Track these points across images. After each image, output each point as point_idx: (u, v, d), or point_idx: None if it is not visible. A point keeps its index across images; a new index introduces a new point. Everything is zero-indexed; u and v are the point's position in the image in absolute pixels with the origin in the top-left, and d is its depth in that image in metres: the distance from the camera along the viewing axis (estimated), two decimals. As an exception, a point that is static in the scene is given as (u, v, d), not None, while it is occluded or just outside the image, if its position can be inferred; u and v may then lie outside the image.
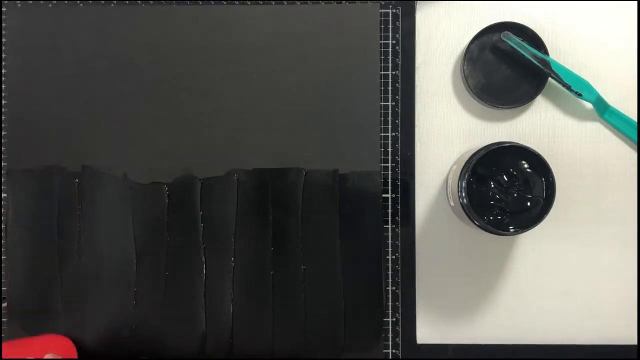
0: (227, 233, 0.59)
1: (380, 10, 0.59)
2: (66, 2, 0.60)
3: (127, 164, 0.59)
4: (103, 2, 0.60)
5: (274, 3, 0.59)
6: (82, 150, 0.59)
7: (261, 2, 0.59)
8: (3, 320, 0.59)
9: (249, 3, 0.59)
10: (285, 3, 0.59)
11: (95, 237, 0.59)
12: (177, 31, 0.59)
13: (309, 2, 0.59)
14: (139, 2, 0.60)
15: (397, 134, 0.59)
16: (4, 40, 0.59)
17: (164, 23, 0.59)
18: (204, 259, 0.59)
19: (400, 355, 0.59)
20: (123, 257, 0.59)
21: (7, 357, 0.56)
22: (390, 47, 0.59)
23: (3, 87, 0.59)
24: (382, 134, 0.59)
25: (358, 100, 0.59)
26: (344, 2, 0.59)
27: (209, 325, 0.59)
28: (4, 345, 0.57)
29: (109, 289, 0.59)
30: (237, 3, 0.59)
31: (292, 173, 0.59)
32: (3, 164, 0.59)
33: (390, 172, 0.59)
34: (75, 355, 0.58)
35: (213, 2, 0.59)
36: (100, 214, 0.59)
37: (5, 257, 0.59)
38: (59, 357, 0.55)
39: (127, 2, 0.60)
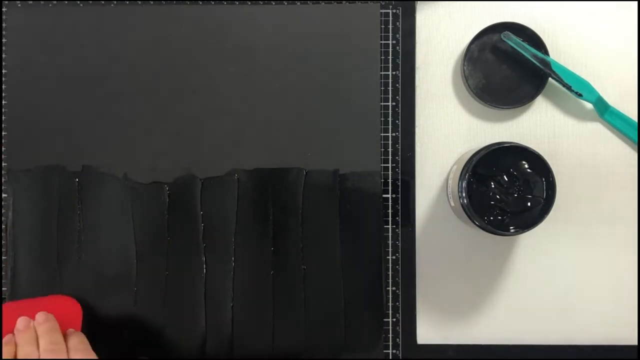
0: (227, 233, 0.59)
1: (380, 10, 0.59)
2: (66, 2, 0.60)
3: (127, 164, 0.59)
4: (103, 2, 0.60)
5: (274, 3, 0.59)
6: (82, 150, 0.59)
7: (261, 2, 0.59)
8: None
9: (249, 3, 0.59)
10: (285, 3, 0.59)
11: (95, 237, 0.59)
12: (177, 31, 0.59)
13: (309, 2, 0.59)
14: (139, 2, 0.60)
15: (397, 134, 0.59)
16: (4, 40, 0.59)
17: (164, 23, 0.59)
18: (204, 259, 0.59)
19: (400, 355, 0.59)
20: (123, 257, 0.59)
21: (9, 316, 0.55)
22: (390, 47, 0.59)
23: (3, 87, 0.59)
24: (382, 134, 0.59)
25: (358, 100, 0.59)
26: (344, 2, 0.59)
27: (209, 325, 0.59)
28: (4, 306, 0.56)
29: (108, 289, 0.59)
30: (237, 3, 0.59)
31: (292, 173, 0.59)
32: (3, 164, 0.59)
33: (390, 172, 0.59)
34: (80, 315, 0.57)
35: (213, 2, 0.59)
36: (100, 213, 0.59)
37: (5, 257, 0.59)
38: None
39: (127, 2, 0.60)
